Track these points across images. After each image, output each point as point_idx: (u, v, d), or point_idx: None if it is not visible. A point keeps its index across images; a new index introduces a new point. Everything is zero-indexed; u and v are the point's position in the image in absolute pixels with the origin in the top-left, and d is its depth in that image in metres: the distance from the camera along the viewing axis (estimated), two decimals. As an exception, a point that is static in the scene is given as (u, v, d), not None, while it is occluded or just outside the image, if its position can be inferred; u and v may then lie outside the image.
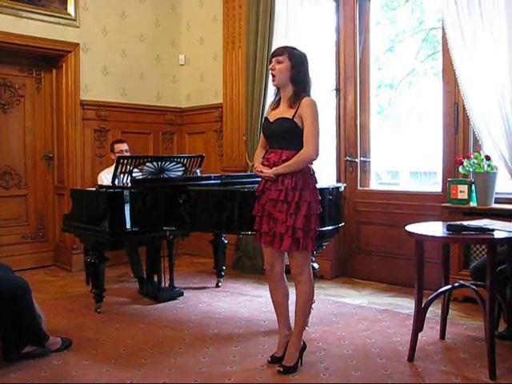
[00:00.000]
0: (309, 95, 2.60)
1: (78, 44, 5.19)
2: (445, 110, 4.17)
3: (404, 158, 5.57)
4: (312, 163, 2.62)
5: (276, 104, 2.69)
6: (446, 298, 3.15)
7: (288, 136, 2.55)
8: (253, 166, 3.28)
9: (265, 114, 2.95)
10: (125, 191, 3.60)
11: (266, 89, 4.80)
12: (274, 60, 2.62)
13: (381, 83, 5.26)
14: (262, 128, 2.74)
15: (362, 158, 4.85)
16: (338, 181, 4.81)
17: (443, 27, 4.00)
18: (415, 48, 5.17)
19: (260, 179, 2.69)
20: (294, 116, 2.55)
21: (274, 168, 2.56)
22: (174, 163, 3.96)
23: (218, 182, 3.86)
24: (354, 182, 4.84)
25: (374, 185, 5.01)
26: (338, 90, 4.85)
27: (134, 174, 3.80)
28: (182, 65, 6.12)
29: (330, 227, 3.25)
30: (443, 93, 4.17)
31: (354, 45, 4.78)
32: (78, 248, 4.96)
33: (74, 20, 5.17)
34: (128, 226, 3.55)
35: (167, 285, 4.21)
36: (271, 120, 2.66)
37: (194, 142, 6.01)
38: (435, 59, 4.95)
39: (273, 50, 2.85)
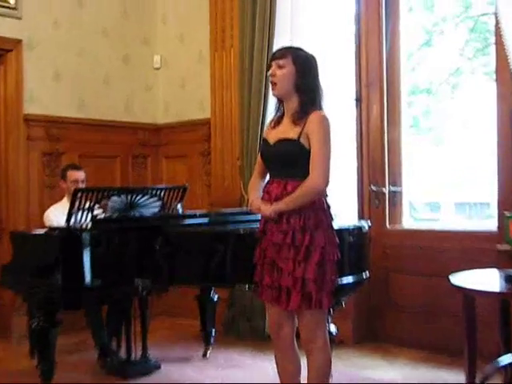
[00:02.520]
0: (319, 108, 2.68)
1: (20, 40, 5.19)
2: (499, 119, 4.23)
3: (447, 184, 5.60)
4: (325, 195, 2.69)
5: (277, 121, 2.79)
6: (509, 373, 3.15)
7: (293, 162, 2.64)
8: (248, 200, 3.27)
9: (263, 134, 3.03)
10: (83, 234, 3.61)
11: (267, 99, 4.92)
12: (274, 64, 2.71)
13: (415, 88, 5.33)
14: (261, 152, 2.83)
15: (392, 187, 4.95)
16: (361, 217, 4.88)
17: (496, 13, 4.07)
18: (460, 41, 5.21)
19: (260, 216, 2.77)
20: (299, 136, 2.63)
21: (274, 204, 2.64)
22: (147, 197, 4.00)
23: (206, 221, 3.94)
24: (382, 218, 4.91)
25: (408, 221, 5.06)
26: (358, 99, 4.95)
27: (95, 212, 3.83)
28: (157, 68, 6.26)
29: (351, 278, 3.30)
30: (497, 97, 4.23)
31: (378, 39, 4.87)
32: (21, 309, 4.85)
33: (15, 9, 5.15)
34: (87, 279, 3.56)
35: (139, 355, 4.24)
36: (271, 142, 2.74)
37: (174, 169, 6.11)
38: (486, 54, 5.01)
39: (274, 49, 2.95)
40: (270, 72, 2.73)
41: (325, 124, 2.64)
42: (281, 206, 2.62)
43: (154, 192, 4.06)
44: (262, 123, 4.95)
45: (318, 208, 2.65)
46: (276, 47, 4.16)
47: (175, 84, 6.14)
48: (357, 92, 4.97)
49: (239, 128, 5.30)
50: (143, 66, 6.18)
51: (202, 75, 5.77)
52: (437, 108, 5.37)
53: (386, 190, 4.89)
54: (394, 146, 4.96)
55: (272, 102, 4.31)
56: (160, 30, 6.23)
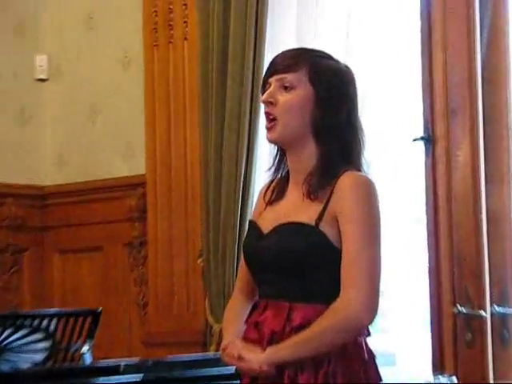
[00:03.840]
0: (358, 167, 2.36)
1: None
2: None
3: None
4: (366, 333, 2.36)
5: (277, 189, 2.48)
6: None
7: (306, 267, 2.30)
8: (221, 336, 3.14)
9: (250, 215, 3.29)
10: None
11: (253, 140, 4.23)
12: (273, 82, 2.37)
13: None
14: (245, 249, 2.51)
15: (498, 308, 3.98)
16: (437, 368, 4.03)
17: None
18: None
19: (237, 374, 2.54)
20: (319, 218, 2.27)
21: (269, 349, 2.26)
22: (24, 332, 3.46)
23: (138, 379, 3.37)
24: (480, 368, 3.95)
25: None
26: (429, 138, 4.06)
27: None
28: (42, 80, 5.31)
29: None
30: None
31: (468, 37, 4.08)
32: None
33: None
34: None
35: None
36: (265, 229, 2.40)
37: (76, 274, 5.18)
38: None
39: (267, 53, 3.56)
40: (264, 97, 2.36)
41: (369, 196, 2.29)
42: (282, 352, 2.23)
43: (35, 323, 3.56)
44: (245, 186, 4.25)
45: (353, 356, 2.26)
46: (272, 47, 4.09)
47: (78, 111, 5.21)
48: (426, 126, 4.10)
49: (202, 194, 4.46)
50: (17, 76, 5.31)
51: (129, 93, 4.98)
52: None
53: (486, 314, 3.93)
54: (500, 226, 4.08)
55: (263, 145, 4.09)
56: (49, 9, 5.38)
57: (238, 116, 4.21)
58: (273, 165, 2.52)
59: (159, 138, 4.69)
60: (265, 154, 4.08)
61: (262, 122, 2.67)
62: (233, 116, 4.22)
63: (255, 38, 4.19)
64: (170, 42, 4.63)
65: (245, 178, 4.21)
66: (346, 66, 2.45)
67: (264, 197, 2.53)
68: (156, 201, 4.69)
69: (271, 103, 2.37)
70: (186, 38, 4.55)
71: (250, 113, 4.15)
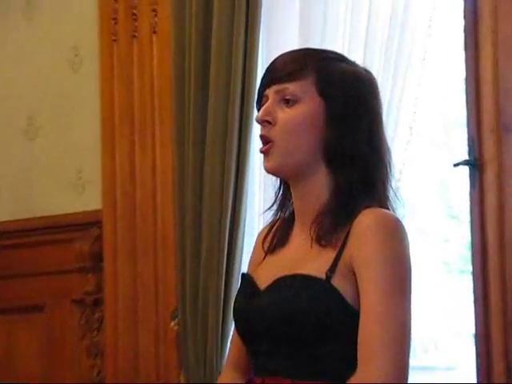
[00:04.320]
0: (383, 202, 2.19)
1: None
2: None
3: None
4: None
5: (278, 234, 2.30)
6: None
7: (314, 336, 2.12)
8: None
9: (239, 263, 3.41)
10: None
11: (244, 168, 3.91)
12: (271, 94, 2.20)
13: None
14: (235, 311, 2.34)
15: None
16: None
17: None
18: None
19: None
20: (332, 270, 2.08)
21: None
22: None
23: None
24: None
25: None
26: (475, 162, 3.81)
27: None
28: None
29: None
30: None
31: None
32: None
33: None
34: None
35: None
36: (261, 283, 2.23)
37: (9, 341, 4.79)
38: None
39: (262, 53, 3.49)
40: (259, 115, 2.16)
41: (395, 239, 2.08)
42: None
43: None
44: (234, 226, 3.86)
45: None
46: (269, 47, 3.86)
47: (12, 128, 4.88)
48: (471, 147, 3.81)
49: (177, 236, 4.10)
50: None
51: (80, 103, 4.62)
52: None
53: None
54: None
55: (257, 172, 3.90)
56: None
57: (224, 133, 3.79)
58: (274, 202, 2.29)
59: (120, 162, 4.27)
60: (258, 185, 3.79)
61: (257, 141, 2.65)
62: (217, 133, 3.77)
63: (246, 32, 3.76)
64: (134, 37, 4.22)
65: (233, 215, 3.77)
66: (366, 70, 2.21)
67: (263, 244, 2.29)
68: (116, 244, 4.31)
69: (269, 123, 2.12)
70: (154, 32, 4.16)
71: (240, 129, 3.70)
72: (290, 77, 2.14)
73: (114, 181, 4.27)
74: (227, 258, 3.76)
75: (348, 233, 2.09)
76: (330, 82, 2.14)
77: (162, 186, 4.11)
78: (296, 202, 2.22)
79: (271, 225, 2.32)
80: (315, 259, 2.11)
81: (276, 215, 2.29)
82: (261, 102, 2.19)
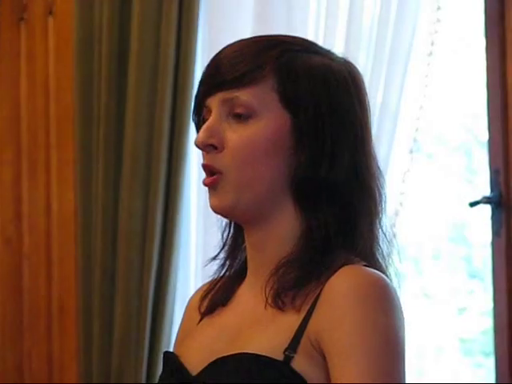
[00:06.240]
0: (370, 255, 1.93)
1: None
2: None
3: None
4: None
5: (221, 291, 2.06)
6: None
7: None
8: None
9: (171, 345, 2.84)
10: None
11: (175, 208, 3.55)
12: (215, 105, 1.99)
13: None
14: None
15: None
16: None
17: None
18: None
19: None
20: (293, 347, 1.87)
21: None
22: None
23: None
24: None
25: None
26: (499, 199, 3.54)
27: None
28: None
29: None
30: None
31: None
32: None
33: None
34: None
35: None
36: (192, 368, 2.01)
37: None
38: None
39: (204, 43, 3.35)
40: (199, 137, 1.87)
41: (381, 306, 1.79)
42: None
43: None
44: (160, 286, 3.48)
45: None
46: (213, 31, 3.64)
47: None
48: (494, 180, 3.53)
49: (78, 305, 3.67)
50: None
51: None
52: None
53: None
54: None
55: (194, 211, 3.63)
56: None
57: (148, 160, 3.35)
58: (220, 251, 1.88)
59: (4, 198, 3.84)
60: (195, 230, 3.37)
61: (195, 167, 2.82)
62: (137, 158, 3.35)
63: (180, 10, 3.36)
64: (22, 19, 3.84)
65: (159, 271, 3.34)
66: (347, 62, 1.78)
67: (200, 304, 1.91)
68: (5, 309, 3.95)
69: (214, 147, 1.77)
70: (50, 13, 3.74)
71: (170, 151, 3.24)
72: (241, 81, 1.76)
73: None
74: (151, 338, 3.31)
75: (318, 295, 1.70)
76: (296, 86, 1.73)
77: (60, 233, 3.66)
78: (250, 251, 1.84)
79: (213, 283, 1.89)
80: (269, 328, 1.72)
81: (221, 271, 1.83)
82: (200, 115, 1.74)
